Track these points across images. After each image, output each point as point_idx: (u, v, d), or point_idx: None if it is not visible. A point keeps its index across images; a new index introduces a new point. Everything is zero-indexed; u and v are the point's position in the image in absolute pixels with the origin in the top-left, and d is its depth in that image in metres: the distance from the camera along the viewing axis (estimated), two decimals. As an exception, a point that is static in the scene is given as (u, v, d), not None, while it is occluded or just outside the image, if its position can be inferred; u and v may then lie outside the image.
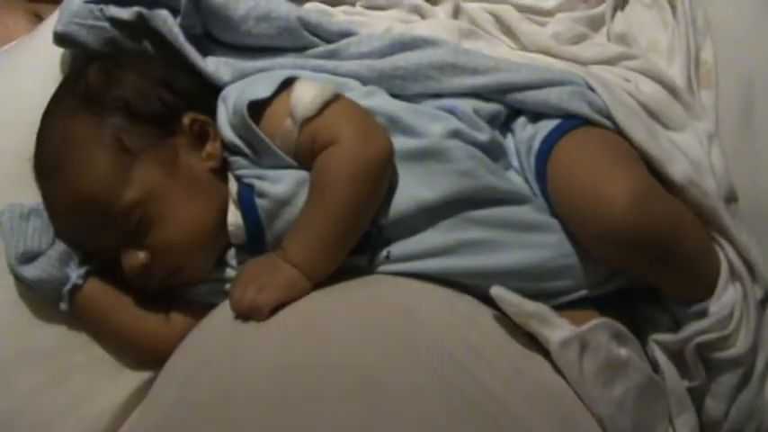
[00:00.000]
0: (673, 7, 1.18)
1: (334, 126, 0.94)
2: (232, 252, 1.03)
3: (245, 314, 0.88)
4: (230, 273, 1.02)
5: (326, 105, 0.95)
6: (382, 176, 0.94)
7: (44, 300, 1.02)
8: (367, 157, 0.93)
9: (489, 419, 0.77)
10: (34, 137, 1.02)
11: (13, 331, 1.02)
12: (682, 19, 1.15)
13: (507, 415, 0.78)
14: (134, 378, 1.03)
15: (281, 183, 0.96)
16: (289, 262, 0.92)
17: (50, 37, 1.09)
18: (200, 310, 1.01)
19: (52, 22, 1.11)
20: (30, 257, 0.99)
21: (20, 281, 1.01)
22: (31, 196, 1.02)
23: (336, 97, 0.96)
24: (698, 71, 1.14)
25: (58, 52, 1.12)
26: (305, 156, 0.95)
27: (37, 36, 1.20)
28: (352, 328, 0.85)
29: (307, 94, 0.95)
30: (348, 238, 0.94)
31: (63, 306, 1.00)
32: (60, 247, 1.00)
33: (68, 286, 1.00)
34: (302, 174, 0.96)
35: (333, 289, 0.92)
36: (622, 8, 1.21)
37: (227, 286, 1.00)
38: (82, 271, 1.00)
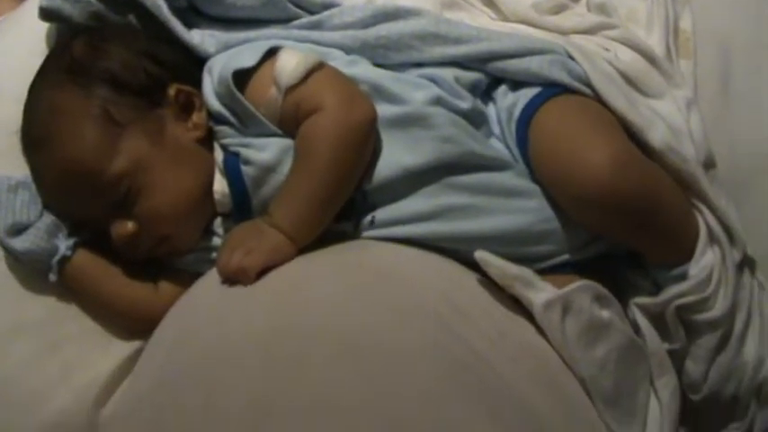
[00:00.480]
0: (651, -24, 1.19)
1: (318, 93, 0.95)
2: (218, 221, 1.04)
3: (232, 278, 0.89)
4: (217, 241, 1.03)
5: (310, 73, 0.95)
6: (366, 142, 0.95)
7: (33, 271, 1.02)
8: (351, 123, 0.94)
9: (475, 378, 0.78)
10: (21, 110, 1.02)
11: (3, 303, 1.03)
12: (660, -12, 1.16)
13: (492, 374, 0.80)
14: (124, 347, 1.04)
15: (267, 150, 0.96)
16: (274, 227, 0.92)
17: (36, 12, 1.08)
18: (188, 278, 1.01)
19: (38, -3, 1.11)
20: (18, 229, 1.00)
21: (9, 253, 1.01)
22: (19, 169, 1.03)
23: (320, 65, 0.97)
24: (677, 40, 1.14)
25: (43, 27, 1.12)
26: (289, 123, 0.96)
27: (22, 11, 1.19)
28: (338, 291, 0.85)
29: (290, 63, 0.96)
30: (333, 203, 0.95)
31: (52, 277, 1.01)
32: (49, 218, 1.01)
33: (57, 257, 1.00)
34: (287, 141, 0.97)
35: (318, 253, 0.93)
36: (602, -22, 1.22)
37: (214, 255, 1.01)
38: (71, 242, 1.01)
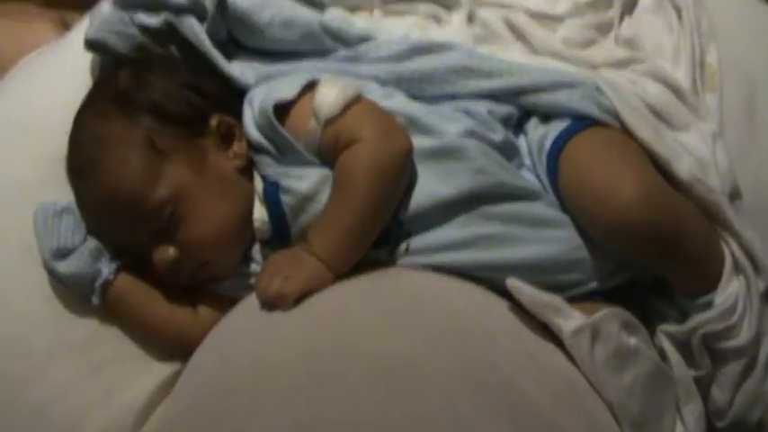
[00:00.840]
0: (678, 12, 1.20)
1: (356, 126, 0.96)
2: (257, 248, 1.05)
3: (271, 303, 0.90)
4: (255, 268, 1.04)
5: (349, 106, 0.97)
6: (402, 174, 0.97)
7: (76, 294, 1.04)
8: (388, 155, 0.95)
9: (504, 401, 0.80)
10: (66, 139, 1.04)
11: (46, 325, 1.05)
12: (687, 23, 1.18)
13: (521, 397, 0.81)
14: (163, 369, 1.05)
15: (306, 180, 0.98)
16: (313, 254, 0.94)
17: (81, 43, 1.12)
18: (226, 303, 1.03)
19: (82, 29, 1.14)
20: (63, 253, 1.02)
21: (53, 276, 1.03)
22: (64, 195, 1.05)
23: (358, 98, 0.99)
24: (703, 74, 1.16)
25: (87, 57, 1.15)
26: (328, 154, 0.98)
27: (67, 42, 1.22)
28: (374, 316, 0.87)
29: (330, 95, 0.98)
30: (369, 233, 0.96)
31: (95, 300, 1.03)
32: (92, 243, 1.03)
33: (100, 281, 1.02)
34: (325, 171, 0.98)
35: (355, 280, 0.94)
36: (630, 13, 1.23)
37: (253, 280, 1.02)
38: (113, 266, 1.03)
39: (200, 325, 1.03)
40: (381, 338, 0.84)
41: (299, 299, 0.90)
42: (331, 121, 0.97)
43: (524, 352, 0.89)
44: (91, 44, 1.11)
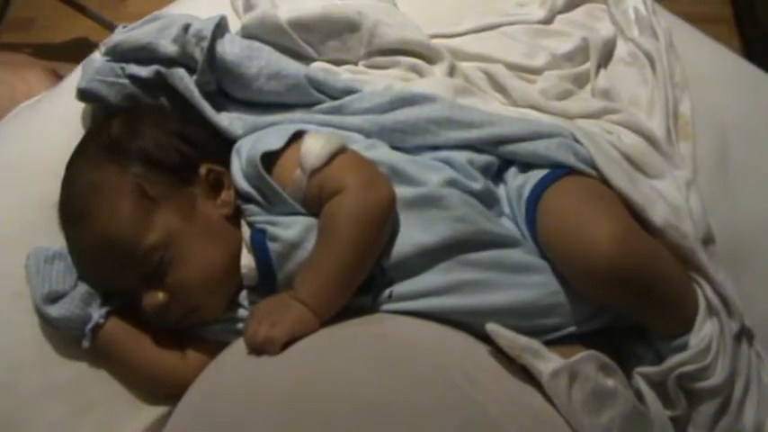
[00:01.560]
0: (652, 64, 1.23)
1: (340, 176, 0.99)
2: (244, 294, 1.07)
3: (259, 348, 0.92)
4: (242, 313, 1.06)
5: (334, 156, 1.00)
6: (385, 222, 0.99)
7: (66, 337, 1.05)
8: (371, 204, 0.97)
9: None
10: (58, 186, 1.06)
11: (36, 367, 1.06)
12: (660, 75, 1.21)
13: None
14: (152, 412, 1.06)
15: (292, 228, 1.00)
16: (299, 301, 0.96)
17: (73, 92, 1.14)
18: (214, 347, 1.04)
19: (73, 78, 1.17)
20: (54, 298, 1.03)
21: (44, 319, 1.04)
22: (55, 241, 1.07)
23: (343, 149, 1.01)
24: (676, 123, 1.19)
25: (79, 106, 1.17)
26: (313, 203, 1.00)
27: (60, 91, 1.25)
28: (359, 359, 0.89)
29: (315, 147, 1.00)
30: (353, 279, 0.98)
31: (85, 344, 1.04)
32: (83, 288, 1.04)
33: (91, 325, 1.03)
34: (311, 220, 1.00)
35: (340, 326, 0.96)
36: (605, 66, 1.26)
37: (240, 325, 1.04)
38: (103, 310, 1.04)
39: (188, 368, 1.04)
40: (365, 383, 0.85)
41: (286, 344, 0.92)
42: (316, 171, 0.99)
43: (505, 394, 0.90)
44: (83, 94, 1.14)
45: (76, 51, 1.19)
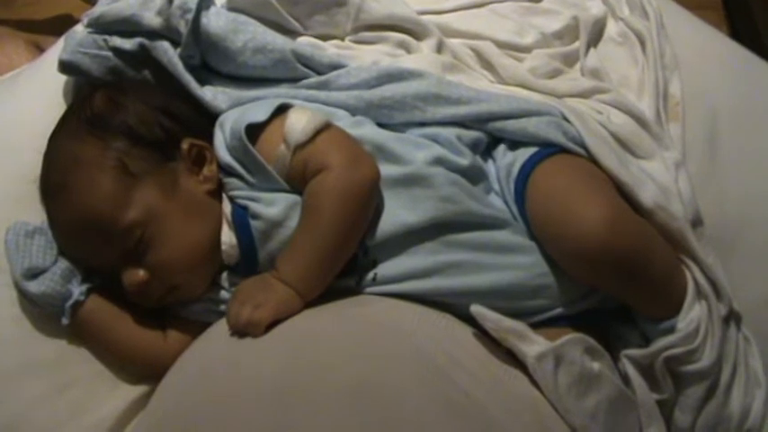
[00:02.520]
0: (642, 44, 1.22)
1: (324, 153, 0.97)
2: (225, 275, 1.06)
3: (242, 330, 0.91)
4: (224, 294, 1.05)
5: (318, 133, 0.98)
6: (369, 201, 0.98)
7: (45, 314, 1.04)
8: (355, 182, 0.96)
9: (471, 418, 0.81)
10: (39, 160, 1.05)
11: (15, 344, 1.05)
12: (651, 55, 1.20)
13: (489, 421, 0.82)
14: (132, 391, 1.06)
15: (275, 205, 0.99)
16: (282, 281, 0.95)
17: (55, 65, 1.13)
18: (195, 328, 1.03)
19: (56, 51, 1.15)
20: (34, 273, 1.02)
21: (24, 296, 1.03)
22: (36, 216, 1.06)
23: (327, 125, 1.00)
24: (666, 104, 1.18)
25: (61, 79, 1.16)
26: (297, 180, 0.99)
27: (42, 64, 1.23)
28: (342, 342, 0.88)
29: (300, 122, 0.99)
30: (337, 259, 0.97)
31: (65, 321, 1.03)
32: (63, 264, 1.03)
33: (71, 302, 1.02)
34: (294, 197, 0.99)
35: (323, 307, 0.95)
36: (595, 45, 1.25)
37: (221, 307, 1.03)
38: (84, 287, 1.03)
39: (168, 348, 1.04)
40: (349, 365, 0.85)
41: (270, 325, 0.91)
42: (300, 147, 0.98)
43: (490, 377, 0.90)
44: (65, 66, 1.12)
45: (60, 27, 1.17)
